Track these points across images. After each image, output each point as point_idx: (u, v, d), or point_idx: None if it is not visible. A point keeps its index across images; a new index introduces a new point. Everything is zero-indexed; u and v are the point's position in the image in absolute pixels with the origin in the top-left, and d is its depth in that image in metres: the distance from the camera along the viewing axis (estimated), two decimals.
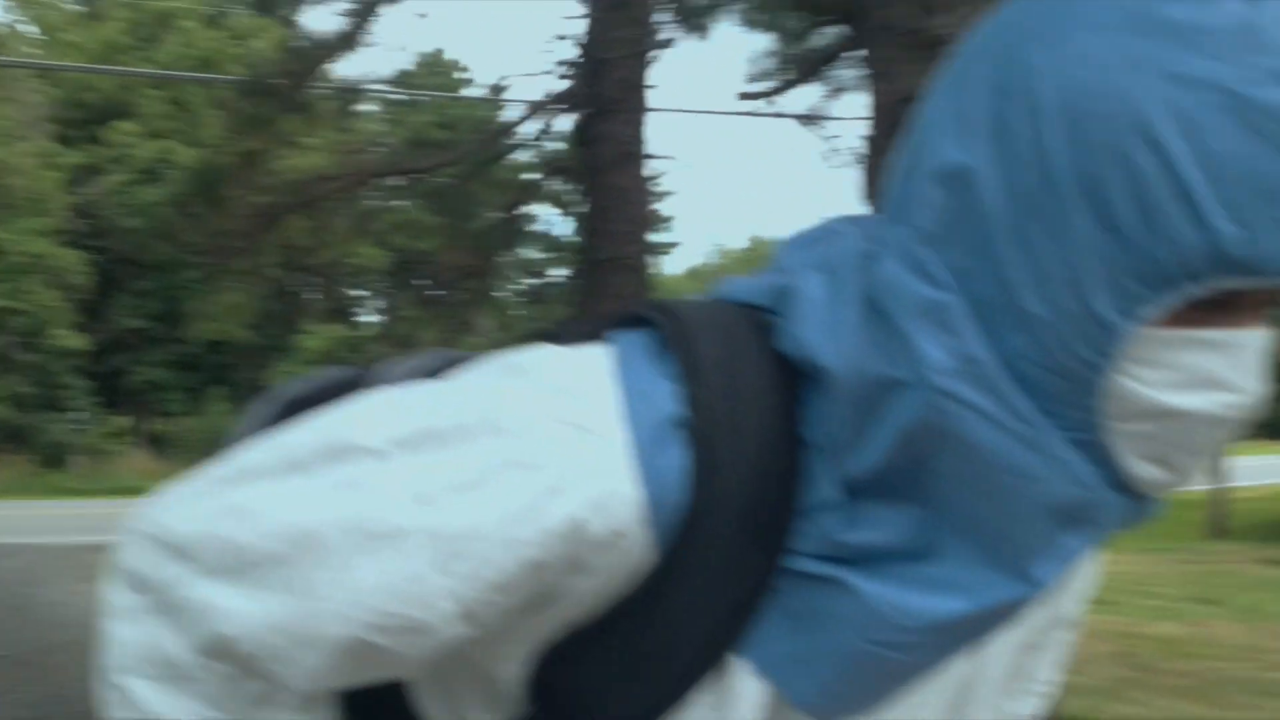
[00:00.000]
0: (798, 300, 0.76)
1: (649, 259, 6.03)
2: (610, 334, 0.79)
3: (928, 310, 0.70)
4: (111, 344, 24.86)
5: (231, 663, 0.72)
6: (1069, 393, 0.69)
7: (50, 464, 22.63)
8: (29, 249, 22.18)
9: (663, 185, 28.61)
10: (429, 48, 26.77)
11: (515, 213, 7.64)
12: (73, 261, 23.25)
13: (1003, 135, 0.69)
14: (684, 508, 0.72)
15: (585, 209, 5.89)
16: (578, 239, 6.26)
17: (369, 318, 27.82)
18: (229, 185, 6.48)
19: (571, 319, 0.90)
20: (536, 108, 6.34)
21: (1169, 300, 0.66)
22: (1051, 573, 0.74)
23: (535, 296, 25.00)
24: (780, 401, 0.75)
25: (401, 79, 20.90)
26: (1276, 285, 0.68)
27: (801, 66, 6.37)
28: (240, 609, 0.71)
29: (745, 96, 6.58)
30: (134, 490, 14.98)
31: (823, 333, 0.74)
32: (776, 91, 6.54)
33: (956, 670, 0.83)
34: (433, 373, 0.88)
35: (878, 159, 2.64)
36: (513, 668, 0.79)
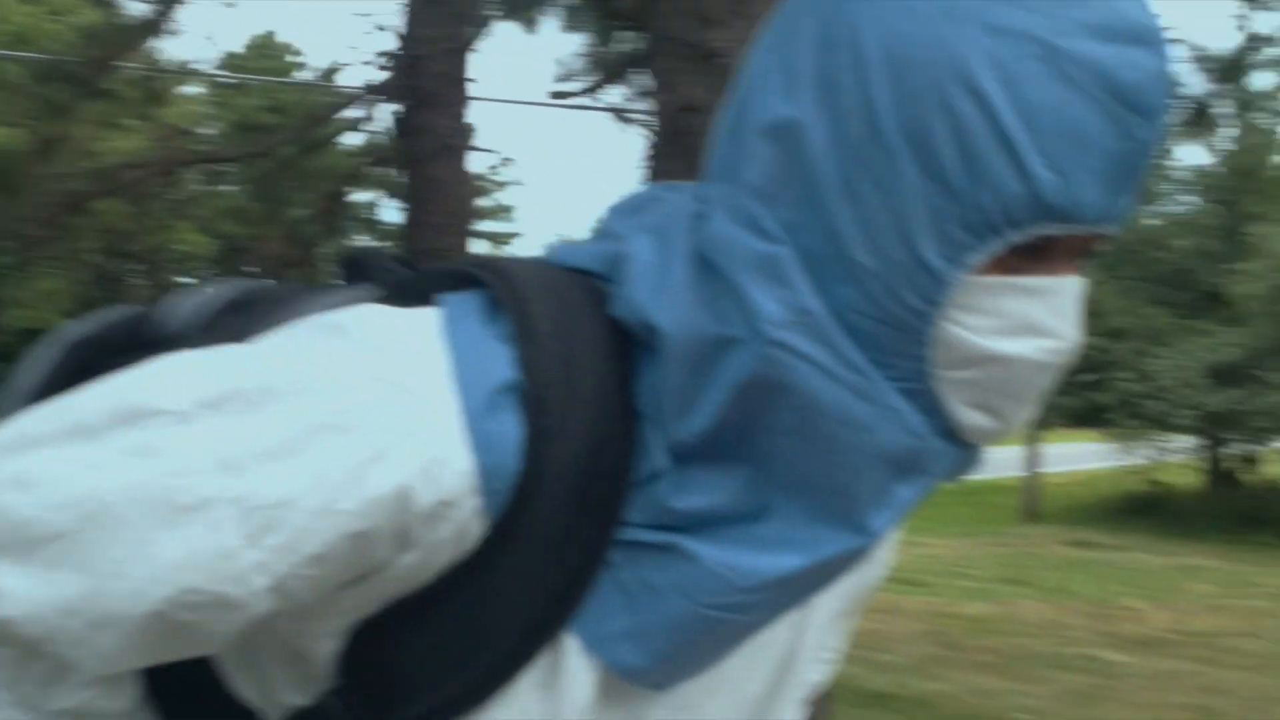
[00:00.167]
0: (629, 263, 0.74)
1: (469, 251, 6.03)
2: (435, 292, 0.76)
3: (759, 263, 0.70)
4: None
5: (16, 645, 0.67)
6: (898, 342, 0.70)
7: None
8: None
9: (504, 176, 28.48)
10: (263, 30, 26.03)
11: (337, 202, 7.53)
12: None
13: (829, 88, 0.70)
14: (516, 477, 0.69)
15: (406, 200, 5.86)
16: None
17: None
18: (29, 169, 6.23)
19: (389, 258, 0.85)
20: (354, 98, 6.27)
21: (993, 247, 0.68)
22: (885, 523, 0.74)
23: None
24: (614, 369, 0.73)
25: (228, 62, 20.32)
26: (1090, 232, 0.70)
27: (608, 69, 6.46)
28: (24, 590, 0.65)
29: (557, 95, 6.64)
30: None
31: (655, 294, 0.72)
32: (586, 91, 6.62)
33: (781, 639, 0.84)
34: (224, 305, 0.84)
35: (661, 165, 2.73)
36: (326, 644, 0.74)
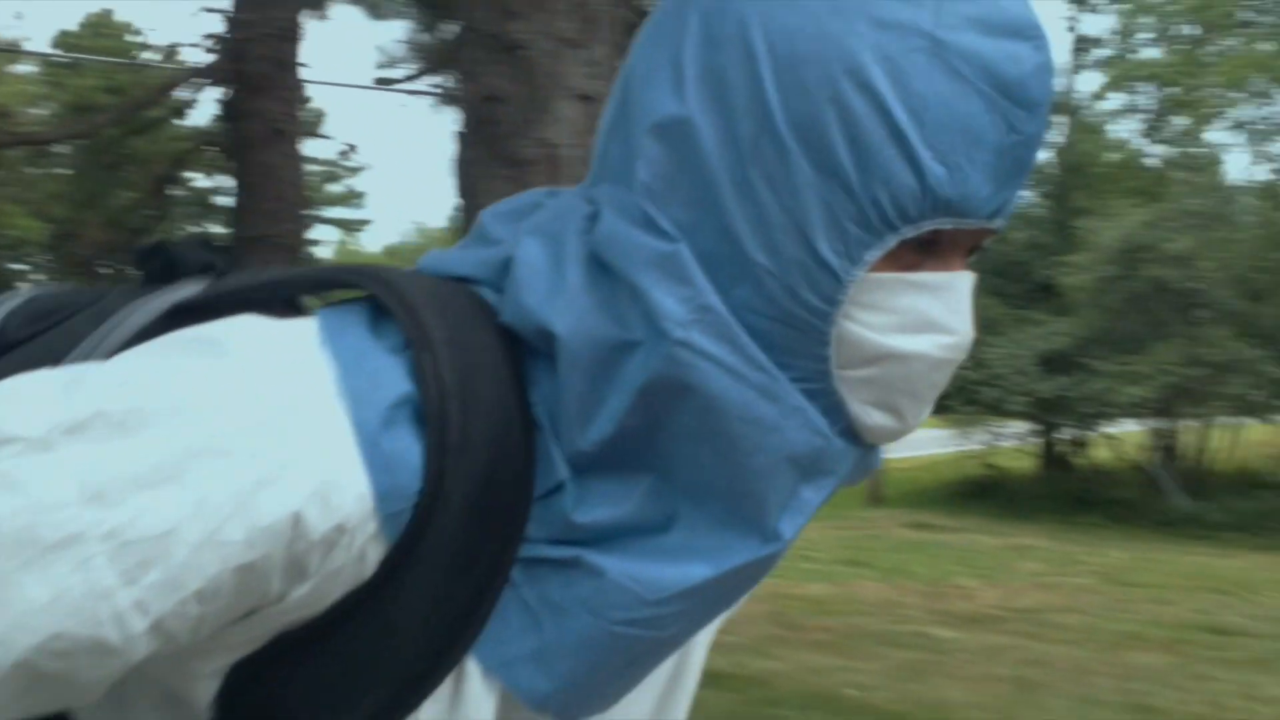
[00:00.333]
0: (518, 268, 0.71)
1: (304, 238, 5.95)
2: (298, 296, 0.72)
3: (657, 262, 0.68)
4: None
5: None
6: (798, 342, 0.69)
7: None
8: None
9: (354, 161, 27.97)
10: (99, 7, 25.01)
11: (164, 187, 7.32)
12: None
13: (717, 85, 0.68)
14: (415, 496, 0.65)
15: (236, 186, 5.75)
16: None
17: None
18: None
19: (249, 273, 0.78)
20: (180, 80, 6.11)
21: (887, 243, 0.67)
22: (794, 527, 0.72)
23: None
24: (510, 378, 0.70)
25: (62, 40, 19.52)
26: (980, 227, 0.70)
27: (429, 56, 6.44)
28: None
29: (381, 82, 6.60)
30: None
31: (549, 298, 0.70)
32: (411, 78, 6.59)
33: (666, 665, 0.81)
34: (37, 316, 0.77)
35: (467, 153, 2.76)
36: (207, 685, 0.68)
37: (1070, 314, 20.01)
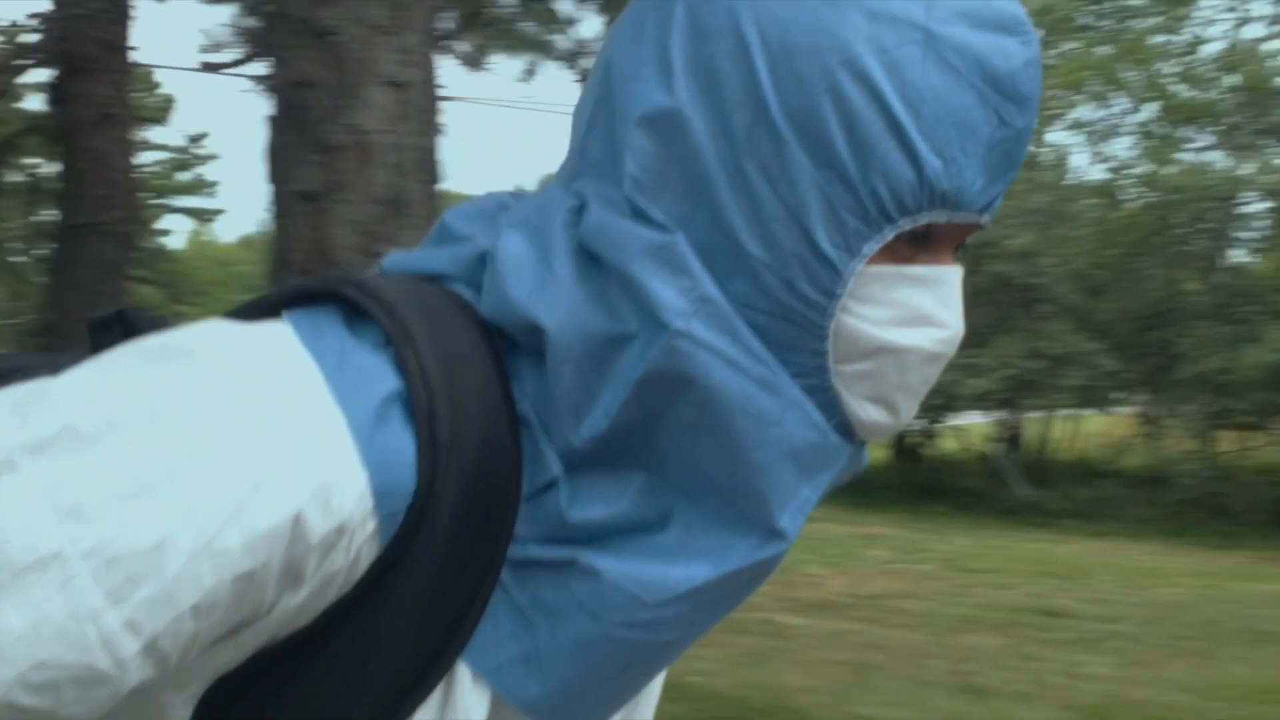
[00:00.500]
0: (502, 261, 0.69)
1: (137, 225, 5.78)
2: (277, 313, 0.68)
3: (653, 252, 0.66)
4: None
5: None
6: (795, 337, 0.68)
7: None
8: None
9: (206, 149, 27.20)
10: None
11: None
12: None
13: (709, 77, 0.67)
14: (411, 495, 0.63)
15: (63, 171, 5.55)
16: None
17: None
18: None
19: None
20: (4, 62, 5.88)
21: (885, 235, 0.67)
22: (794, 524, 0.70)
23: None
24: (494, 374, 0.68)
25: None
26: (972, 221, 0.70)
27: (254, 41, 6.34)
28: None
29: (207, 67, 6.45)
30: None
31: (537, 292, 0.68)
32: (238, 63, 6.46)
33: None
34: None
35: (277, 139, 2.74)
36: (181, 713, 0.64)
37: None
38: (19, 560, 0.54)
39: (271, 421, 0.59)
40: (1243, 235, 20.81)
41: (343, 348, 0.64)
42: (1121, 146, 21.36)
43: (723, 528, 0.69)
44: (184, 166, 28.43)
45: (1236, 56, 19.95)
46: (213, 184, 29.56)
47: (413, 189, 2.68)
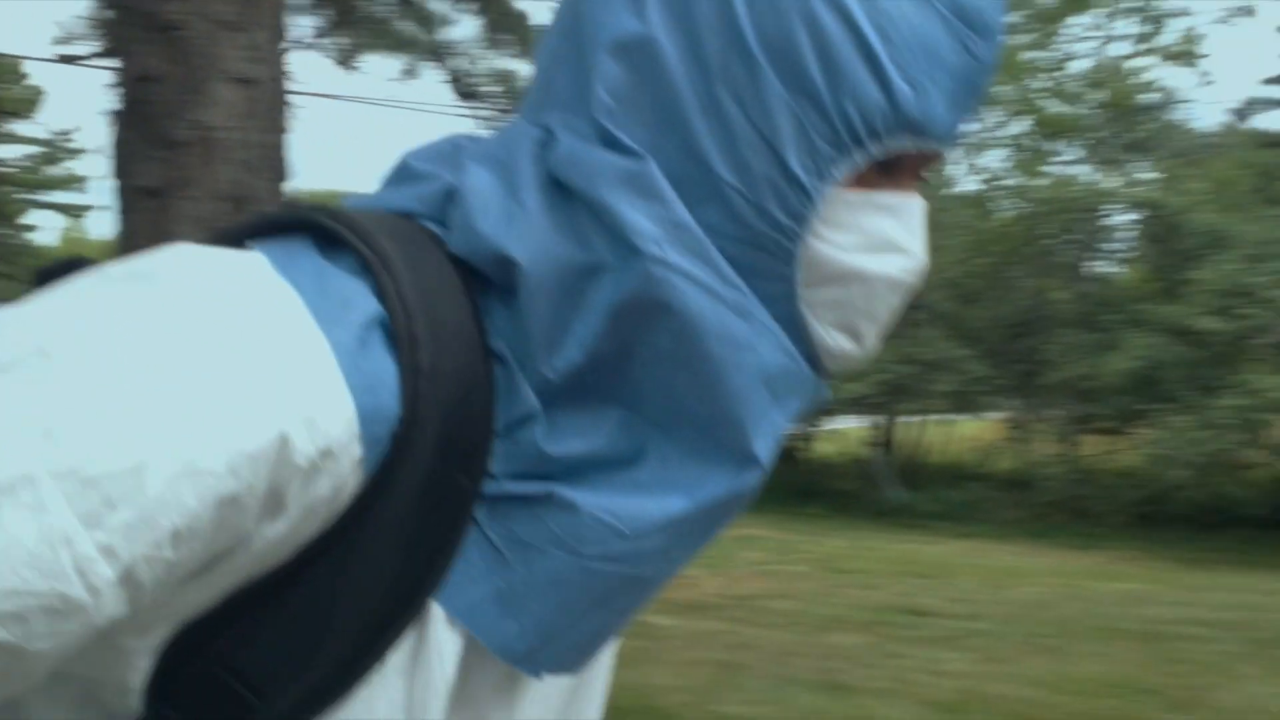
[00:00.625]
0: (469, 195, 0.68)
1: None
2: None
3: (625, 179, 0.66)
4: None
5: None
6: (765, 263, 0.68)
7: None
8: None
9: (75, 143, 26.37)
10: None
11: None
12: None
13: (682, 3, 0.67)
14: (395, 420, 0.61)
15: None
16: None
17: None
18: None
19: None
20: None
21: (856, 160, 0.67)
22: (769, 452, 0.70)
23: None
24: (467, 308, 0.67)
25: None
26: (935, 149, 0.70)
27: (108, 34, 6.21)
28: None
29: (64, 59, 6.29)
30: None
31: (506, 224, 0.67)
32: (96, 55, 6.32)
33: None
34: None
35: (122, 134, 2.70)
36: (137, 668, 0.60)
37: None
38: None
39: (254, 342, 0.57)
40: (1107, 246, 21.59)
41: (320, 272, 0.62)
42: (994, 159, 22.00)
43: (698, 459, 0.69)
44: (53, 160, 27.50)
45: (1103, 74, 20.71)
46: (82, 179, 28.60)
47: (259, 186, 2.66)
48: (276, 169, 2.76)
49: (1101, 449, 20.39)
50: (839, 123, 0.66)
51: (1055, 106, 20.73)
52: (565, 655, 0.71)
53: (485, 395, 0.66)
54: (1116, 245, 21.79)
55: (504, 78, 8.44)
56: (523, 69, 8.59)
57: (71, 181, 28.16)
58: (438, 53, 8.12)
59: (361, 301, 0.62)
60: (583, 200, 0.67)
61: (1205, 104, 43.63)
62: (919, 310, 19.31)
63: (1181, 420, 17.25)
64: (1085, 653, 7.76)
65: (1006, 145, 21.45)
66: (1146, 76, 21.05)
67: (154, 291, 0.57)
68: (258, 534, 0.58)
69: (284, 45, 2.88)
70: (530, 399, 0.67)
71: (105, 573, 0.52)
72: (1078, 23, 20.99)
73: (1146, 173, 21.23)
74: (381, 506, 0.62)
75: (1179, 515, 17.78)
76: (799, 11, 0.66)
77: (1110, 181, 20.77)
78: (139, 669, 0.60)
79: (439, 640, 0.67)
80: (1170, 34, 20.96)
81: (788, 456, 22.30)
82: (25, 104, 22.30)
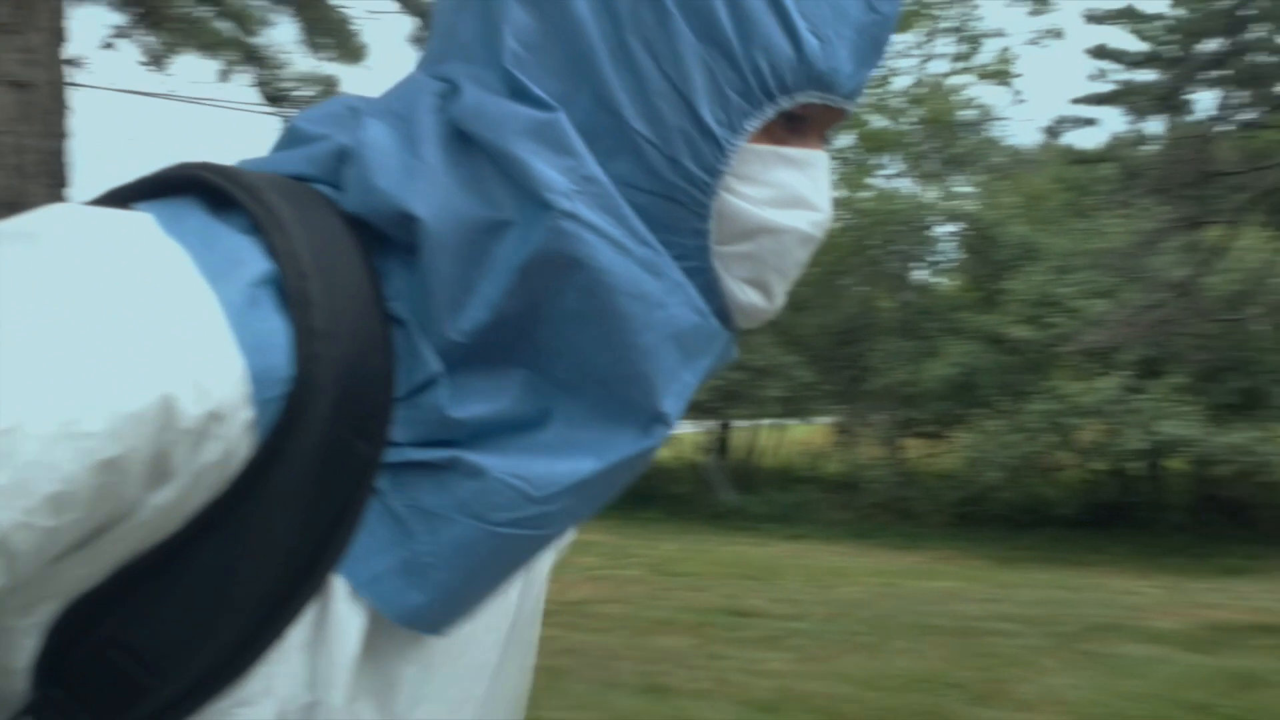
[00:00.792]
0: (365, 151, 0.65)
1: None
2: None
3: (534, 130, 0.64)
4: None
5: None
6: (677, 217, 0.67)
7: None
8: None
9: None
10: None
11: None
12: None
13: None
14: (288, 382, 0.58)
15: None
16: None
17: None
18: None
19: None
20: None
21: (766, 113, 0.67)
22: (677, 409, 0.69)
23: None
24: (364, 269, 0.64)
25: None
26: (841, 105, 0.70)
27: None
28: None
29: None
30: None
31: (406, 180, 0.64)
32: None
33: (511, 601, 0.77)
34: None
35: None
36: (22, 647, 0.57)
37: None
38: None
39: (137, 300, 0.54)
40: (929, 257, 22.40)
41: (209, 231, 0.60)
42: None
43: (605, 419, 0.68)
44: None
45: (924, 91, 21.50)
46: None
47: (35, 192, 2.57)
48: (55, 174, 2.67)
49: (923, 452, 21.15)
50: (750, 75, 0.66)
51: (878, 122, 21.43)
52: (463, 613, 0.70)
53: (384, 359, 0.63)
54: (938, 256, 22.64)
55: (324, 82, 8.31)
56: (343, 73, 8.52)
57: None
58: (249, 55, 7.94)
59: (252, 259, 0.59)
60: (489, 153, 0.65)
61: (1020, 121, 45.72)
62: None
63: (995, 424, 18.04)
64: (899, 649, 8.05)
65: (832, 159, 22.02)
66: (964, 94, 21.98)
67: (33, 251, 0.54)
68: (144, 502, 0.55)
69: (63, 48, 2.79)
70: (432, 362, 0.64)
71: None
72: (899, 41, 21.73)
73: (964, 186, 22.15)
74: (275, 474, 0.59)
75: (995, 515, 18.56)
76: None
77: (931, 194, 21.57)
78: (25, 649, 0.58)
79: (341, 614, 0.64)
80: (986, 54, 21.96)
81: None
82: None
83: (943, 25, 21.62)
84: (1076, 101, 14.69)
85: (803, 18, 0.66)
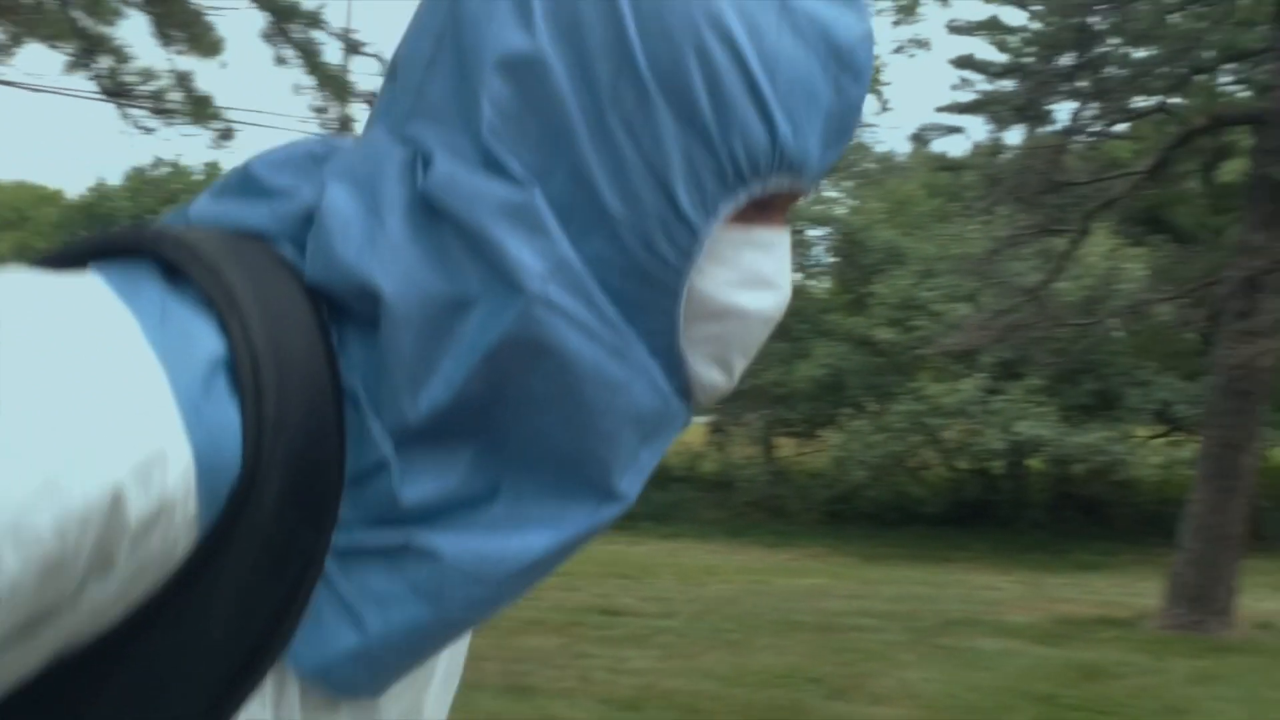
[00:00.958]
0: (327, 218, 0.63)
1: None
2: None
3: (510, 210, 0.63)
4: None
5: None
6: (647, 298, 0.66)
7: None
8: None
9: None
10: None
11: None
12: None
13: (572, 22, 0.64)
14: (236, 475, 0.56)
15: None
16: None
17: None
18: None
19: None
20: None
21: (739, 198, 0.66)
22: (634, 488, 0.68)
23: None
24: (320, 343, 0.62)
25: None
26: (807, 188, 0.69)
27: None
28: None
29: None
30: None
31: (367, 252, 0.62)
32: None
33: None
34: None
35: None
36: None
37: None
38: None
39: (88, 380, 0.52)
40: (800, 261, 22.81)
41: (163, 303, 0.57)
42: None
43: (558, 495, 0.66)
44: None
45: None
46: None
47: None
48: None
49: (795, 452, 21.53)
50: (726, 161, 0.65)
51: None
52: (404, 676, 0.69)
53: (335, 443, 0.61)
54: (809, 260, 23.07)
55: (172, 76, 8.13)
56: (198, 67, 8.34)
57: None
58: (94, 45, 7.72)
59: (205, 338, 0.57)
60: (461, 230, 0.63)
61: (889, 129, 46.79)
62: None
63: (860, 424, 18.47)
64: (762, 645, 8.22)
65: None
66: None
67: None
68: (84, 594, 0.53)
69: None
70: (383, 445, 0.63)
71: None
72: None
73: (834, 192, 22.61)
74: (218, 566, 0.57)
75: (864, 514, 19.02)
76: (691, 42, 0.64)
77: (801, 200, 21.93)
78: None
79: (289, 699, 0.63)
80: None
81: None
82: None
83: None
84: (941, 110, 15.09)
85: (779, 104, 0.65)
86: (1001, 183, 11.23)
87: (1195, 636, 9.22)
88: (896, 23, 15.80)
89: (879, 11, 14.93)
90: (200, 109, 8.36)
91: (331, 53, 8.96)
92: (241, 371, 0.57)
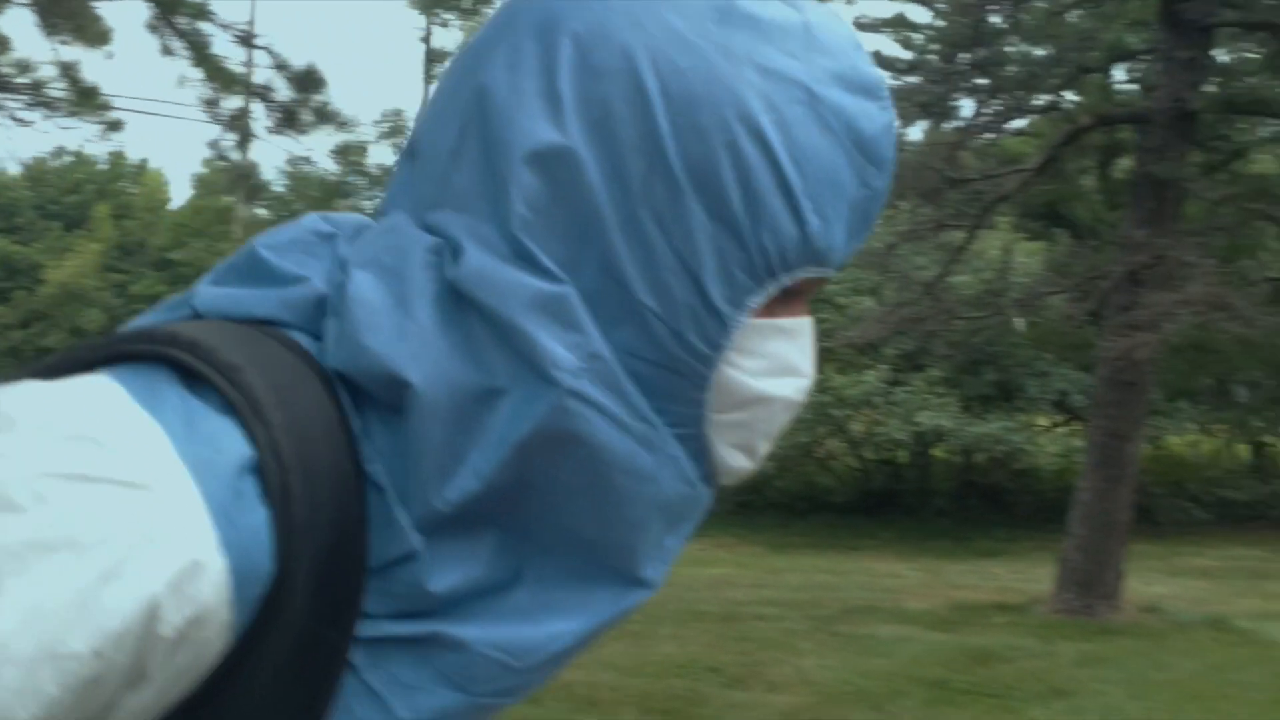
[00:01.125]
0: (354, 307, 0.63)
1: None
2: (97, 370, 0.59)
3: (542, 304, 0.63)
4: None
5: None
6: (676, 387, 0.67)
7: None
8: None
9: None
10: None
11: None
12: None
13: (604, 117, 0.65)
14: (267, 581, 0.56)
15: None
16: None
17: None
18: None
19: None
20: None
21: (768, 290, 0.67)
22: (660, 574, 0.70)
23: None
24: (343, 435, 0.62)
25: None
26: (831, 275, 0.71)
27: None
28: None
29: None
30: None
31: (396, 342, 0.62)
32: None
33: None
34: None
35: None
36: None
37: None
38: None
39: (119, 496, 0.52)
40: None
41: (188, 410, 0.57)
42: None
43: (583, 581, 0.67)
44: None
45: None
46: None
47: None
48: None
49: None
50: (756, 255, 0.66)
51: None
52: None
53: (359, 537, 0.62)
54: None
55: (58, 67, 7.98)
56: (83, 58, 8.18)
57: None
58: None
59: (232, 445, 0.57)
60: (491, 320, 0.63)
61: None
62: None
63: None
64: (665, 635, 8.29)
65: None
66: None
67: (7, 442, 0.53)
68: (119, 705, 0.54)
69: None
70: (409, 536, 0.63)
71: None
72: None
73: None
74: (251, 667, 0.57)
75: (774, 503, 19.23)
76: (723, 140, 0.64)
77: None
78: None
79: None
80: None
81: None
82: None
83: None
84: None
85: (808, 198, 0.66)
86: (902, 178, 11.42)
87: (1084, 620, 9.49)
88: None
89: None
90: (87, 99, 8.19)
91: (222, 44, 8.85)
92: (269, 476, 0.57)
